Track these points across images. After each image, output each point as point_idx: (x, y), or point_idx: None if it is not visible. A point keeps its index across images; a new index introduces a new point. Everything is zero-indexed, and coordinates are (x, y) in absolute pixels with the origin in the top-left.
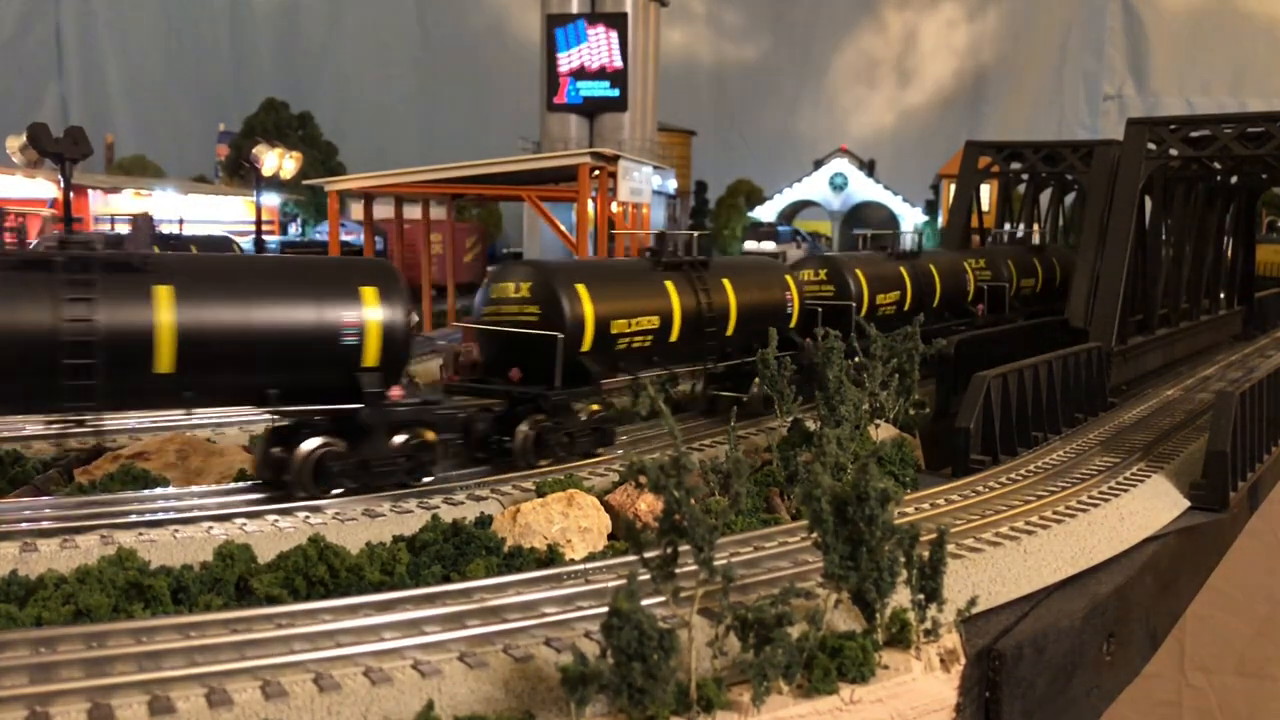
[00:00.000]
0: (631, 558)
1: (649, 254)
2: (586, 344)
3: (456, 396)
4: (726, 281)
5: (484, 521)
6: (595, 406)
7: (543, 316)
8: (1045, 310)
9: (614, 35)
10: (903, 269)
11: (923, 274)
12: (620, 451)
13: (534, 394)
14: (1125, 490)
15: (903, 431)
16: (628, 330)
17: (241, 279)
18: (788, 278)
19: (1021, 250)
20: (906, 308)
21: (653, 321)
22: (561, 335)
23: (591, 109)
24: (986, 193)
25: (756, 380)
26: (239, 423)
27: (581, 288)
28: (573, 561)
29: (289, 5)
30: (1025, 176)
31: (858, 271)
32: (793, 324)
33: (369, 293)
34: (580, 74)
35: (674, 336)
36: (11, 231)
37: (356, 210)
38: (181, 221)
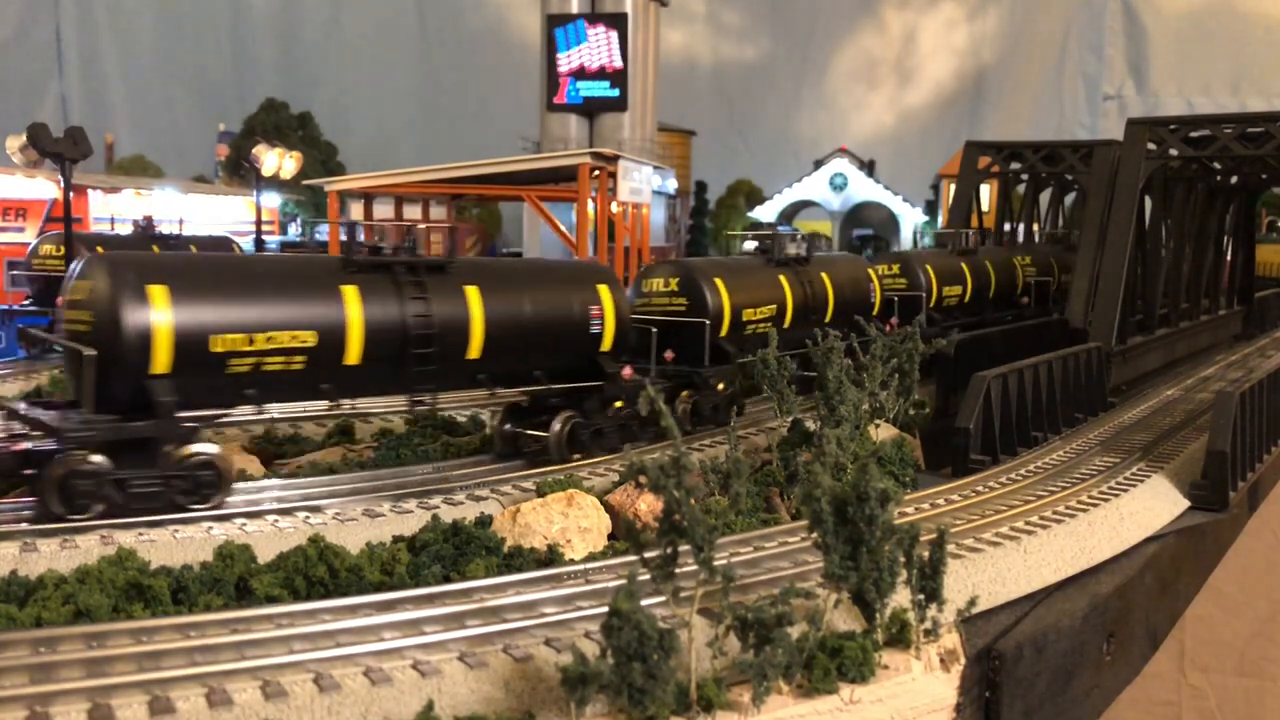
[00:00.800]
0: (631, 558)
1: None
2: (160, 365)
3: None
4: (473, 289)
5: (484, 521)
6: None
7: (94, 326)
8: (976, 324)
9: (614, 35)
10: (783, 277)
11: (811, 283)
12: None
13: (52, 426)
14: (1125, 490)
15: (903, 431)
16: (249, 348)
17: None
18: (601, 289)
19: (947, 255)
20: (787, 324)
21: (306, 337)
22: (94, 351)
23: (591, 109)
24: (986, 193)
25: (566, 415)
26: (239, 422)
27: (159, 290)
28: (573, 561)
29: (289, 5)
30: (1025, 176)
31: (718, 281)
32: (605, 346)
33: None
34: (580, 74)
35: (353, 358)
36: None
37: (356, 210)
38: (181, 222)
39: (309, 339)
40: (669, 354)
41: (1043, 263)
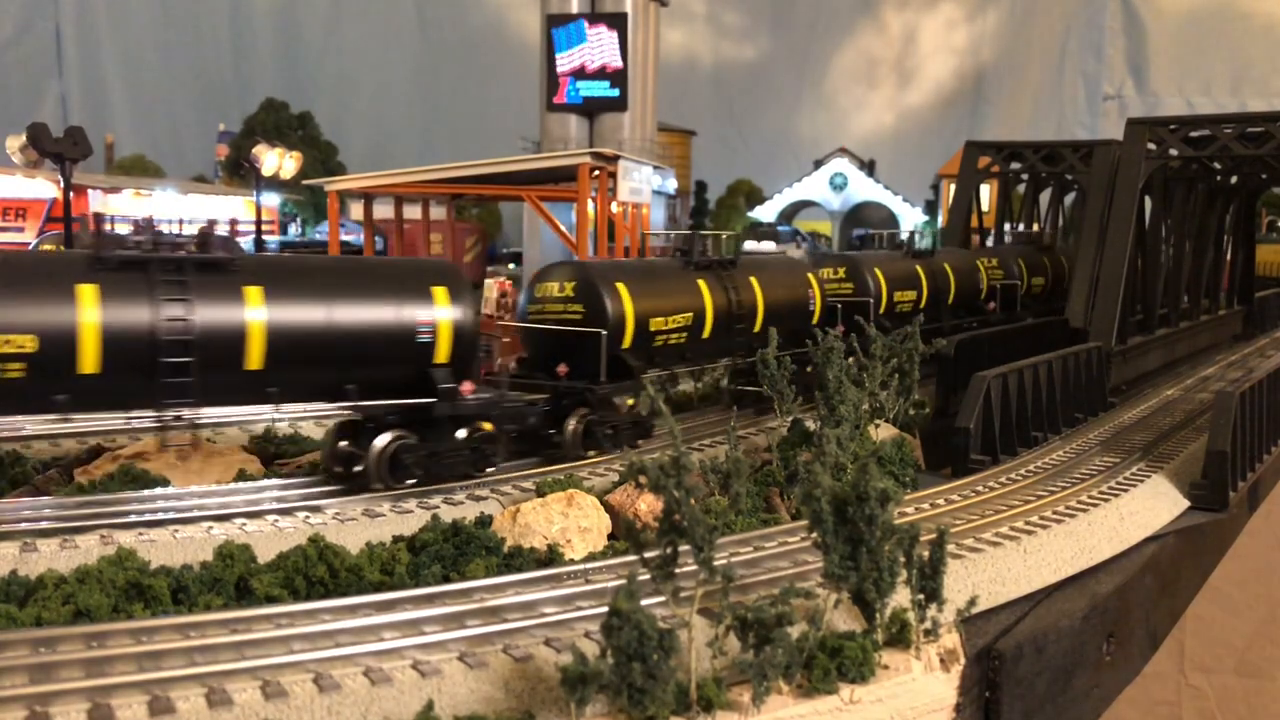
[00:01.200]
0: (631, 558)
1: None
2: None
3: None
4: (255, 291)
5: (484, 521)
6: None
7: None
8: (932, 333)
9: (614, 35)
10: (703, 282)
11: (736, 289)
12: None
13: None
14: (1125, 490)
15: (903, 431)
16: None
17: None
18: (436, 291)
19: (901, 257)
20: (706, 334)
21: (23, 342)
22: None
23: (591, 109)
24: (986, 193)
25: (394, 435)
26: (239, 422)
27: None
28: (573, 561)
29: (289, 5)
30: (1025, 176)
31: (620, 286)
32: (440, 357)
33: None
34: (580, 74)
35: (89, 367)
36: None
37: (356, 210)
38: (181, 222)
39: (27, 344)
40: (562, 368)
41: (1010, 265)
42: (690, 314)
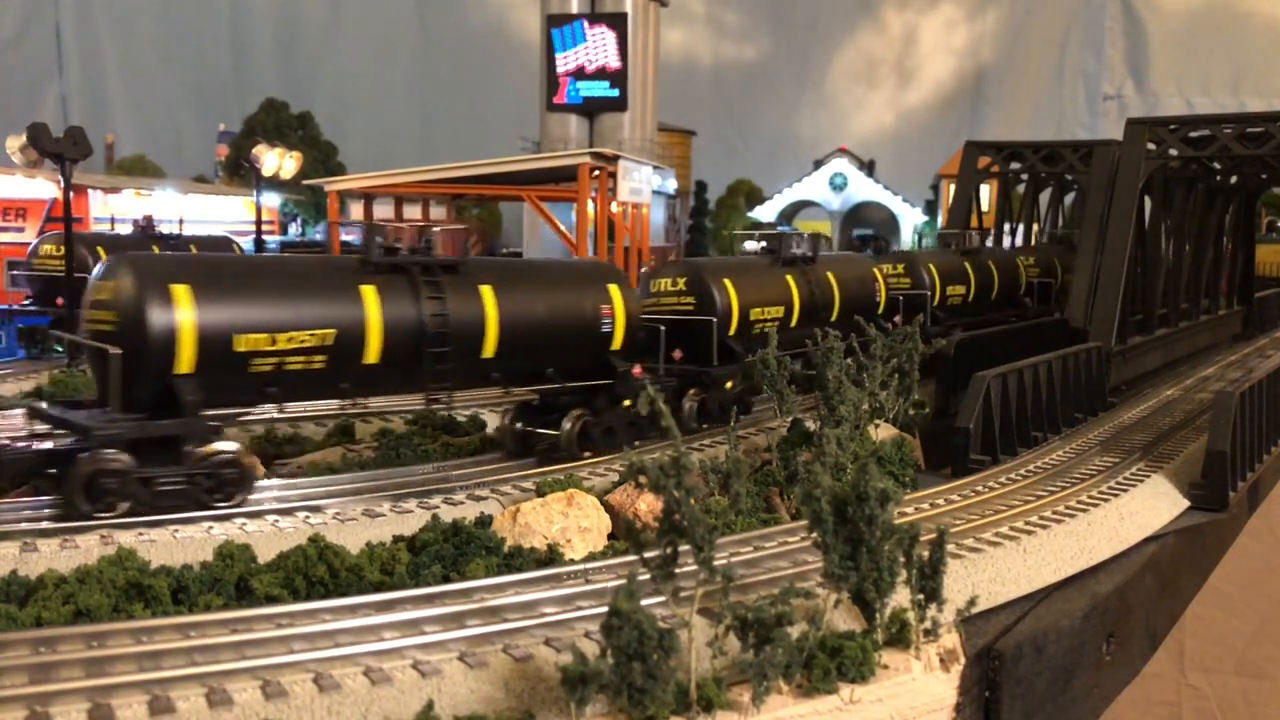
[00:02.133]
0: (631, 558)
1: None
2: None
3: None
4: None
5: (484, 521)
6: None
7: None
8: (807, 365)
9: (614, 35)
10: (370, 289)
11: (443, 299)
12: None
13: None
14: (1125, 490)
15: (903, 431)
16: None
17: None
18: None
19: (768, 266)
20: (370, 360)
21: None
22: None
23: (591, 109)
24: (986, 193)
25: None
26: (239, 422)
27: None
28: (573, 561)
29: (289, 6)
30: (1025, 176)
31: (179, 289)
32: None
33: None
34: (580, 74)
35: None
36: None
37: (356, 210)
38: (181, 221)
39: None
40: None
41: (920, 273)
42: (333, 330)
